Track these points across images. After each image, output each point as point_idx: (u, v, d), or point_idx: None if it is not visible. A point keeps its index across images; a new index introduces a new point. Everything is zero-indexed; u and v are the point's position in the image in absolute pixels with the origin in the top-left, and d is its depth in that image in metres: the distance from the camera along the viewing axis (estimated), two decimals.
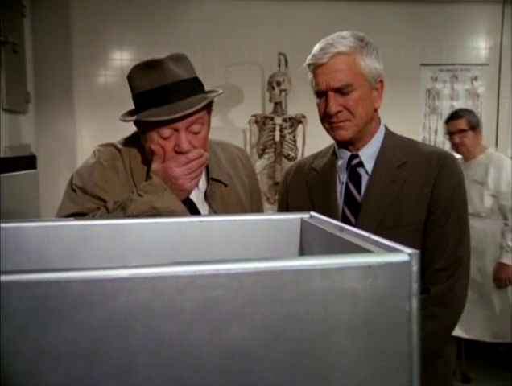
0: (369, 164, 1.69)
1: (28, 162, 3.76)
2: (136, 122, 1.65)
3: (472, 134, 3.73)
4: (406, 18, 4.65)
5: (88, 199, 1.65)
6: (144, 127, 1.62)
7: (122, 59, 4.48)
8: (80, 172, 1.71)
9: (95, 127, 4.39)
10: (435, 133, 4.81)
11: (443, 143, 4.75)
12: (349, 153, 1.70)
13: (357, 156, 1.70)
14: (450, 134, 3.78)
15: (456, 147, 3.76)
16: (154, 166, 1.63)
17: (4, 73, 3.40)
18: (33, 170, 3.79)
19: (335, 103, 1.62)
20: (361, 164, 1.69)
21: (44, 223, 0.98)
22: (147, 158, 1.69)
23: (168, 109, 1.56)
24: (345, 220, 1.65)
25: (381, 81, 1.67)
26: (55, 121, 4.44)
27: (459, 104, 4.82)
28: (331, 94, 1.62)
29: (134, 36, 4.45)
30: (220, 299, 0.59)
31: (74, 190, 1.68)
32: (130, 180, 1.69)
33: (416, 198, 1.63)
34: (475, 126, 3.73)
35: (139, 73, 1.60)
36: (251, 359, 0.60)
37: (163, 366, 0.59)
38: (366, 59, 1.62)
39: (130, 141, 1.74)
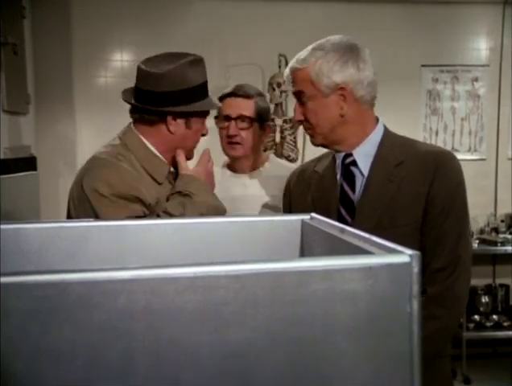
0: (363, 163, 1.69)
1: (28, 163, 3.76)
2: (177, 114, 1.80)
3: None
4: (406, 19, 4.65)
5: (126, 203, 1.68)
6: (192, 118, 1.82)
7: (122, 60, 4.48)
8: (103, 179, 1.70)
9: (95, 128, 4.39)
10: (436, 134, 4.80)
11: (443, 143, 4.75)
12: (343, 153, 1.72)
13: (350, 155, 1.71)
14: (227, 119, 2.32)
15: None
16: (185, 166, 1.85)
17: (4, 74, 3.39)
18: (33, 172, 3.78)
19: (298, 111, 1.72)
20: (354, 163, 1.70)
21: (44, 224, 0.98)
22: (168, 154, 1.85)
23: (214, 100, 1.92)
24: (341, 220, 1.65)
25: (342, 88, 1.65)
26: (55, 123, 4.44)
27: (460, 105, 4.82)
28: (297, 103, 1.72)
29: (134, 37, 4.45)
30: (220, 300, 0.59)
31: (105, 197, 1.68)
32: (149, 179, 1.79)
33: (413, 197, 1.63)
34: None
35: (191, 69, 1.78)
36: (252, 360, 0.60)
37: (163, 367, 0.58)
38: (321, 69, 1.64)
39: (118, 149, 1.79)
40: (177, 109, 1.77)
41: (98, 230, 0.97)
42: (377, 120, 1.75)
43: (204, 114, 1.86)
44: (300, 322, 0.61)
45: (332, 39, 1.69)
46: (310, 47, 1.69)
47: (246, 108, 2.30)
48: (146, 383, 0.58)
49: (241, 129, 2.28)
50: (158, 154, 1.82)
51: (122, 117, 1.78)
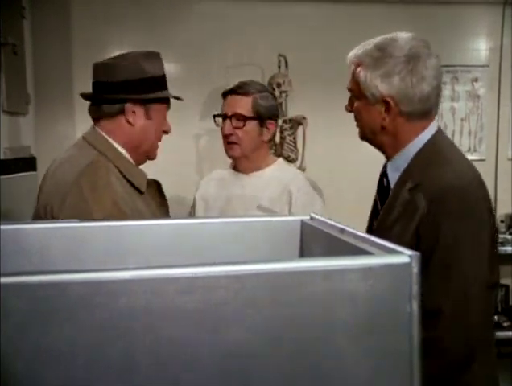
0: (393, 177, 1.59)
1: (28, 163, 3.76)
2: (142, 102, 1.80)
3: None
4: (406, 19, 4.65)
5: None
6: (150, 108, 1.82)
7: None
8: (99, 202, 1.65)
9: None
10: None
11: None
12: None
13: (386, 166, 1.66)
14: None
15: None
16: None
17: (4, 75, 3.39)
18: (33, 172, 3.78)
19: (348, 102, 1.65)
20: (386, 174, 1.63)
21: (45, 224, 0.98)
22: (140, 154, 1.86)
23: (172, 93, 1.89)
24: (371, 227, 1.67)
25: (385, 101, 1.53)
26: (55, 123, 4.44)
27: (459, 106, 4.82)
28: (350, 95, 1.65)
29: (134, 37, 4.45)
30: (220, 301, 0.59)
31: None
32: (133, 191, 1.76)
33: (404, 228, 1.49)
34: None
35: (147, 60, 1.80)
36: (252, 361, 0.60)
37: (163, 367, 0.59)
38: (371, 76, 1.53)
39: (99, 159, 1.75)
40: (133, 97, 1.78)
41: (98, 230, 0.98)
42: (420, 130, 1.57)
43: (162, 103, 1.85)
44: (300, 322, 0.61)
45: (398, 39, 1.55)
46: (373, 41, 1.56)
47: (242, 105, 2.20)
48: (146, 383, 0.58)
49: (236, 128, 2.19)
50: (131, 160, 1.82)
51: None
